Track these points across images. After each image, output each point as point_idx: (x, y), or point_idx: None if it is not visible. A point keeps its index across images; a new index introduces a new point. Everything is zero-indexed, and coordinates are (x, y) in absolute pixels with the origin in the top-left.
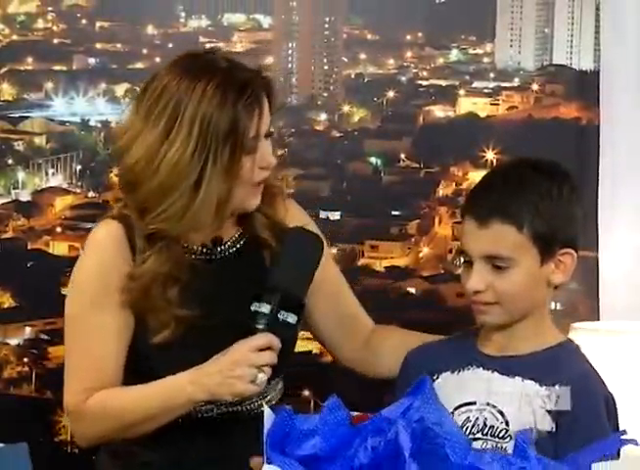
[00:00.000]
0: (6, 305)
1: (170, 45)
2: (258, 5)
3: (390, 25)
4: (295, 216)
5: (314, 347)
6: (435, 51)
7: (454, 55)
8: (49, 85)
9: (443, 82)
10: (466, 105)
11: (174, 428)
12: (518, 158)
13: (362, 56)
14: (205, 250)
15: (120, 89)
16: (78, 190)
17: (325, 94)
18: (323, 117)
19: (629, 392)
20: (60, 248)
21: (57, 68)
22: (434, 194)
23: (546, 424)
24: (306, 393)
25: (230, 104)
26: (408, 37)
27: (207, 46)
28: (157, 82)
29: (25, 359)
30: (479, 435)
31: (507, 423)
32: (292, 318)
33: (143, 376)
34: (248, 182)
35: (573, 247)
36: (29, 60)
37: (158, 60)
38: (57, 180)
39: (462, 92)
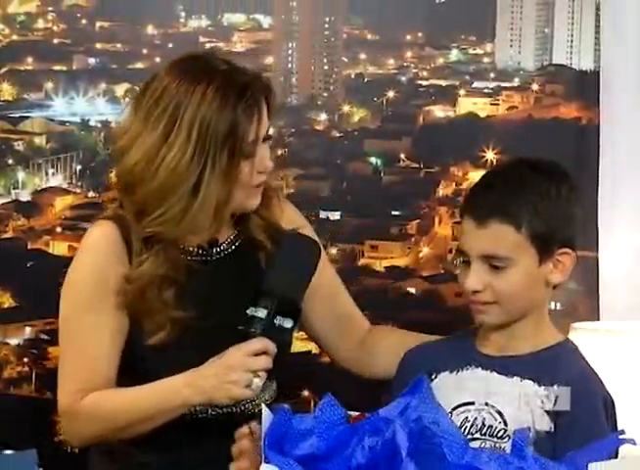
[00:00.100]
0: (6, 305)
1: (170, 45)
2: (258, 5)
3: (390, 25)
4: (290, 218)
5: (314, 347)
6: (435, 51)
7: (454, 55)
8: (49, 85)
9: (443, 82)
10: (466, 105)
11: (170, 429)
12: (517, 158)
13: (362, 56)
14: (200, 251)
15: (120, 89)
16: (78, 190)
17: (325, 94)
18: (323, 116)
19: (629, 392)
20: (60, 248)
21: (57, 68)
22: (434, 194)
23: (545, 424)
24: (306, 393)
25: (230, 108)
26: (408, 37)
27: (207, 46)
28: (156, 84)
29: (25, 359)
30: (477, 435)
31: (505, 423)
32: (288, 323)
33: (138, 377)
34: (246, 185)
35: (572, 247)
36: (29, 60)
37: (158, 60)
38: (57, 180)
39: (462, 92)
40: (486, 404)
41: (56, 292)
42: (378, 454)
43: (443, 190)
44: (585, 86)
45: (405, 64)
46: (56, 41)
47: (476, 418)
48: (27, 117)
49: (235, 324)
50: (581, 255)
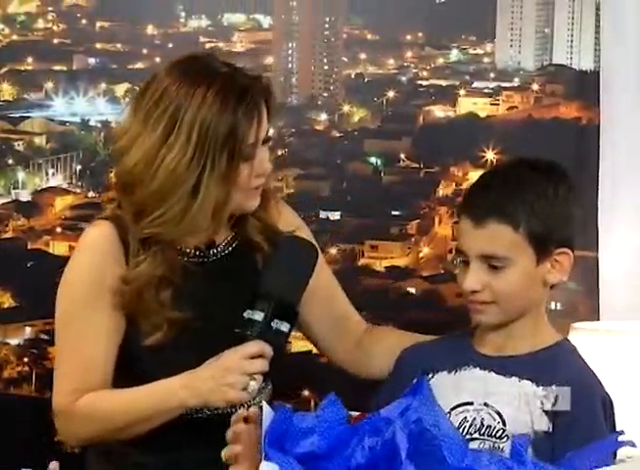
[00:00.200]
0: (6, 305)
1: (170, 45)
2: (258, 5)
3: (390, 25)
4: (287, 220)
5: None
6: (436, 51)
7: (454, 55)
8: (49, 85)
9: (443, 82)
10: (466, 105)
11: (166, 429)
12: (515, 157)
13: (362, 56)
14: (197, 252)
15: (120, 89)
16: (78, 190)
17: (325, 94)
18: (323, 116)
19: (629, 392)
20: (60, 248)
21: (57, 68)
22: (433, 194)
23: (543, 424)
24: (306, 393)
25: (230, 110)
26: (408, 37)
27: (207, 46)
28: (156, 85)
29: (25, 359)
30: (476, 435)
31: (504, 423)
32: (284, 327)
33: (135, 378)
34: (245, 188)
35: (570, 246)
36: (29, 60)
37: (158, 60)
38: (57, 180)
39: (462, 92)
40: (485, 405)
41: (56, 292)
42: (377, 455)
43: (443, 190)
44: (585, 86)
45: (405, 64)
46: (56, 41)
47: (474, 418)
48: (27, 117)
49: (232, 326)
50: (581, 255)
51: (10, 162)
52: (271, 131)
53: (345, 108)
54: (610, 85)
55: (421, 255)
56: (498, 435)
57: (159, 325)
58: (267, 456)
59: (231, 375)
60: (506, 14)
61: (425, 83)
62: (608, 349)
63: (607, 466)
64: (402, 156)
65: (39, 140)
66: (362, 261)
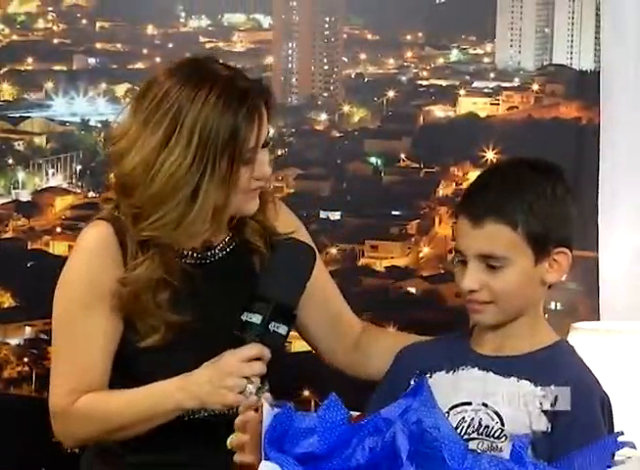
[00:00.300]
0: (6, 305)
1: (170, 45)
2: (258, 5)
3: (390, 25)
4: (285, 221)
5: None
6: (436, 51)
7: (454, 55)
8: (49, 85)
9: (443, 82)
10: (466, 105)
11: (163, 430)
12: (512, 157)
13: (362, 56)
14: (195, 254)
15: (120, 89)
16: (78, 190)
17: (325, 94)
18: (323, 116)
19: (629, 392)
20: (60, 248)
21: (57, 68)
22: (434, 194)
23: (542, 424)
24: (306, 393)
25: (231, 114)
26: (408, 37)
27: (208, 46)
28: (156, 88)
29: (25, 359)
30: (474, 435)
31: (502, 423)
32: (282, 329)
33: (132, 379)
34: (245, 191)
35: (568, 246)
36: (29, 60)
37: (158, 60)
38: (57, 180)
39: (462, 92)
40: (484, 405)
41: None
42: (378, 455)
43: (443, 190)
44: (585, 86)
45: (405, 64)
46: (56, 41)
47: (472, 418)
48: (28, 118)
49: (230, 328)
50: (581, 255)
51: (10, 162)
52: (271, 131)
53: (345, 108)
54: (610, 85)
55: (421, 255)
56: (496, 435)
57: (156, 327)
58: (267, 456)
59: (229, 378)
60: (506, 14)
61: (425, 83)
62: (608, 349)
63: (606, 467)
64: (402, 156)
65: (39, 140)
66: (362, 261)
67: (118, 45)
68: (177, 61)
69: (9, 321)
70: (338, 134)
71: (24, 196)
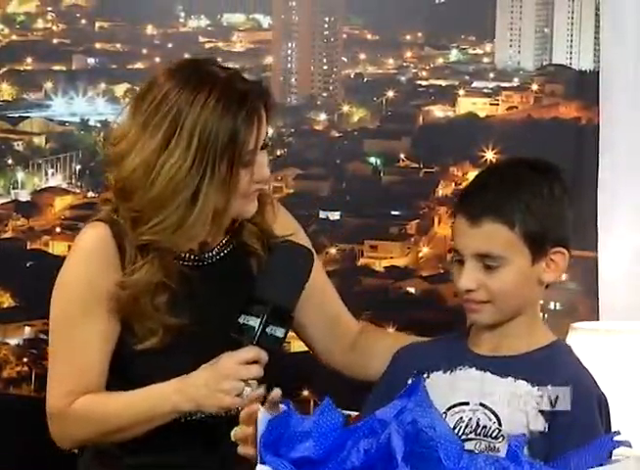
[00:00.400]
0: (5, 305)
1: (170, 45)
2: (258, 5)
3: (390, 25)
4: (283, 224)
5: None
6: (435, 51)
7: (454, 55)
8: (48, 85)
9: (443, 82)
10: (465, 105)
11: (160, 431)
12: (510, 157)
13: (362, 56)
14: (192, 256)
15: (120, 89)
16: (78, 190)
17: (324, 94)
18: (322, 116)
19: (629, 392)
20: (59, 248)
21: (56, 68)
22: (433, 194)
23: (539, 424)
24: (306, 393)
25: (230, 116)
26: (408, 37)
27: (207, 46)
28: (156, 90)
29: (25, 359)
30: (472, 435)
31: (500, 423)
32: (280, 332)
33: (130, 381)
34: (244, 194)
35: (565, 246)
36: (29, 60)
37: (157, 60)
38: (56, 180)
39: (461, 92)
40: (481, 405)
41: None
42: (373, 457)
43: (443, 190)
44: (585, 86)
45: (405, 64)
46: (55, 41)
47: (470, 418)
48: (27, 117)
49: (227, 331)
50: (581, 255)
51: (9, 162)
52: (270, 131)
53: (345, 108)
54: (609, 85)
55: (420, 254)
56: (494, 435)
57: (154, 330)
58: (262, 459)
59: (226, 381)
60: (506, 14)
61: (424, 83)
62: (607, 349)
63: (603, 466)
64: (402, 156)
65: (39, 140)
66: (362, 261)
67: (118, 45)
68: (176, 62)
69: (8, 321)
70: (337, 134)
71: (24, 196)
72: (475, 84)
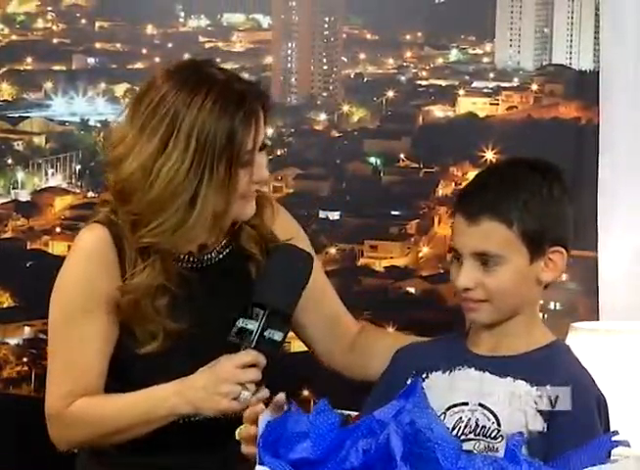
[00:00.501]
0: (5, 305)
1: (170, 45)
2: (258, 5)
3: (390, 25)
4: (283, 226)
5: None
6: (435, 51)
7: (454, 55)
8: (48, 85)
9: (443, 82)
10: (465, 105)
11: (158, 432)
12: (510, 157)
13: (361, 56)
14: (191, 258)
15: (120, 89)
16: (78, 190)
17: (324, 94)
18: (322, 116)
19: (628, 392)
20: (59, 248)
21: (56, 67)
22: (433, 194)
23: (538, 424)
24: (306, 393)
25: (228, 117)
26: (408, 37)
27: (207, 46)
28: (153, 92)
29: (25, 359)
30: (471, 435)
31: (499, 423)
32: (278, 336)
33: (129, 383)
34: (243, 195)
35: (564, 245)
36: (29, 60)
37: (157, 60)
38: (56, 180)
39: (461, 92)
40: (480, 405)
41: None
42: (372, 457)
43: (443, 190)
44: (585, 86)
45: (405, 64)
46: (55, 41)
47: (469, 419)
48: (27, 117)
49: (225, 333)
50: (581, 255)
51: (9, 161)
52: (270, 131)
53: (345, 108)
54: (609, 85)
55: (420, 254)
56: (493, 435)
57: (155, 334)
58: (261, 460)
59: (224, 384)
60: (505, 14)
61: (424, 83)
62: (607, 349)
63: (601, 465)
64: (402, 156)
65: (38, 140)
66: (362, 261)
67: (118, 45)
68: (174, 64)
69: (8, 321)
70: (337, 134)
71: (24, 196)
72: (475, 84)
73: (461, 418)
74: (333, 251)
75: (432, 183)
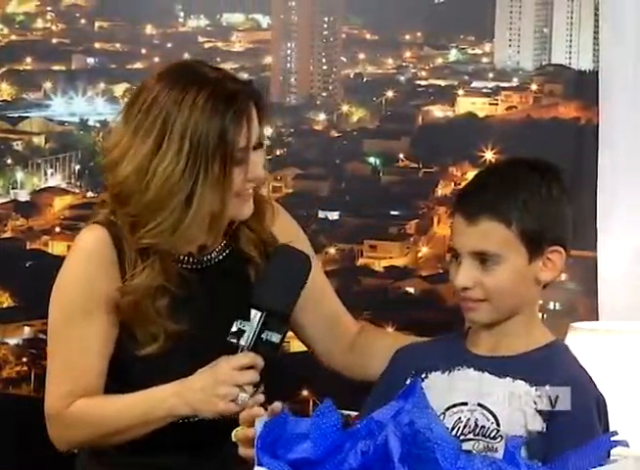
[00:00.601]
0: (5, 305)
1: (169, 45)
2: (257, 5)
3: (389, 25)
4: (283, 227)
5: None
6: (434, 51)
7: (453, 55)
8: (48, 85)
9: (442, 82)
10: (465, 105)
11: (157, 432)
12: (510, 157)
13: (361, 56)
14: (191, 259)
15: (119, 89)
16: (77, 190)
17: (324, 94)
18: (322, 116)
19: (628, 391)
20: (59, 248)
21: (56, 67)
22: (432, 194)
23: (537, 424)
24: (305, 393)
25: (218, 116)
26: (407, 37)
27: (206, 46)
28: (145, 94)
29: (24, 359)
30: (470, 435)
31: (498, 424)
32: (275, 338)
33: (128, 384)
34: (239, 193)
35: (563, 245)
36: (28, 60)
37: (156, 60)
38: (56, 180)
39: (461, 92)
40: (479, 405)
41: None
42: (370, 459)
43: (442, 190)
44: (584, 86)
45: (404, 64)
46: (55, 41)
47: (468, 419)
48: (26, 117)
49: (224, 334)
50: (580, 255)
51: (8, 161)
52: (270, 131)
53: (344, 108)
54: (609, 85)
55: (420, 254)
56: (492, 435)
57: (156, 335)
58: (259, 461)
59: (222, 386)
60: (505, 14)
61: (424, 83)
62: (607, 349)
63: (600, 466)
64: (401, 156)
65: (38, 140)
66: (361, 261)
67: (117, 45)
68: (166, 65)
69: (8, 321)
70: (336, 134)
71: (23, 196)
72: (474, 84)
73: (460, 418)
74: (332, 251)
75: (431, 183)
